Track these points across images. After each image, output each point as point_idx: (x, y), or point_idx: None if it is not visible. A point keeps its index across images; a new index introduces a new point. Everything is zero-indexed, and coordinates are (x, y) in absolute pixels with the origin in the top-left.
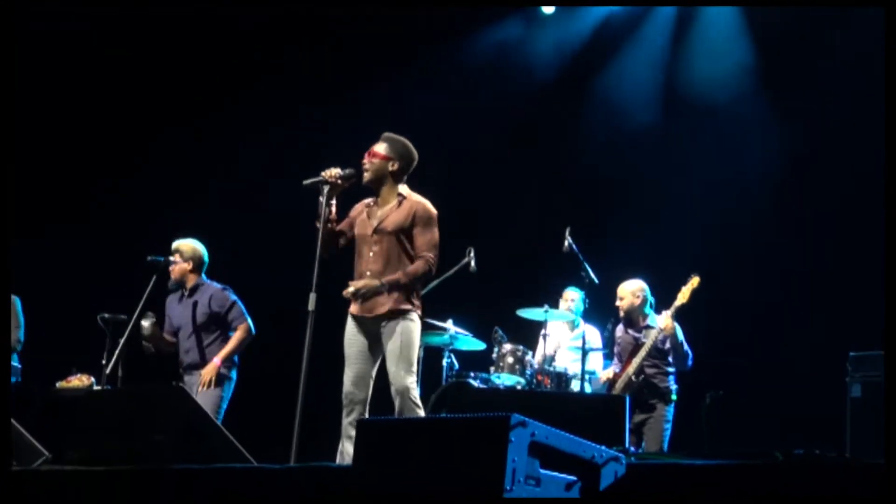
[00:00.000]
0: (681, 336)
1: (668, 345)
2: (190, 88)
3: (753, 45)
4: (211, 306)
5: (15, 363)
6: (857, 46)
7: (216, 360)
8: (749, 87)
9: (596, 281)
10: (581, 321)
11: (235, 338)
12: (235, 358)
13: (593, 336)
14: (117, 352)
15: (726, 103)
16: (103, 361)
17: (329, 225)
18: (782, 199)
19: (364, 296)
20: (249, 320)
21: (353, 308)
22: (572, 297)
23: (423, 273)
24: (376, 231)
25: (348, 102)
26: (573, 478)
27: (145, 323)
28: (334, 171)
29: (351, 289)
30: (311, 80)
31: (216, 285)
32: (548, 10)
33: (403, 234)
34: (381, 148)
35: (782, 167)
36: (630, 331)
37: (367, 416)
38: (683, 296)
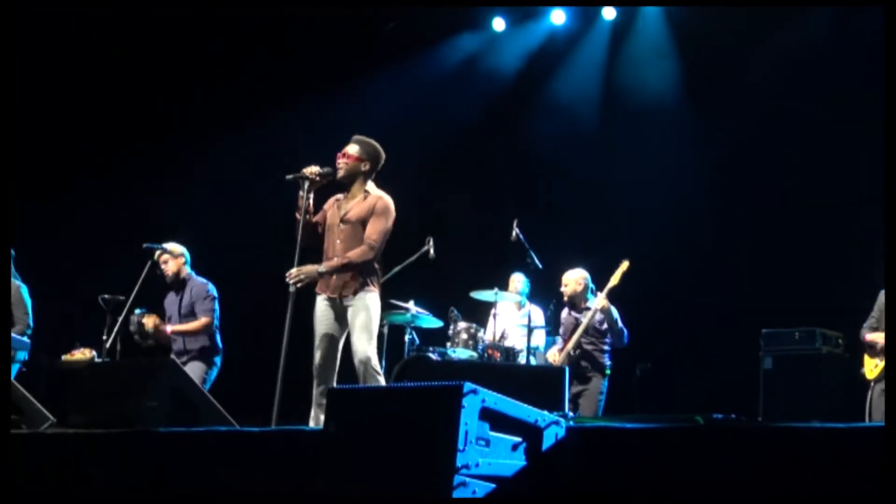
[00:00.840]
0: (615, 315)
1: (605, 325)
2: (189, 94)
3: (679, 57)
4: (192, 298)
5: (25, 339)
6: (771, 57)
7: (168, 329)
8: (675, 92)
9: (540, 266)
10: (527, 302)
11: (195, 323)
12: (220, 345)
13: (537, 315)
14: (116, 329)
15: (656, 107)
16: (103, 337)
17: (307, 215)
18: (704, 193)
19: (304, 282)
20: (214, 316)
21: (321, 289)
22: (519, 281)
23: (362, 257)
24: (342, 221)
25: (323, 108)
26: (519, 439)
27: (147, 321)
28: (314, 169)
29: (293, 273)
30: (290, 89)
31: (201, 280)
32: (498, 27)
33: (362, 225)
34: (353, 150)
35: (704, 164)
36: (573, 313)
37: (335, 385)
38: (615, 278)
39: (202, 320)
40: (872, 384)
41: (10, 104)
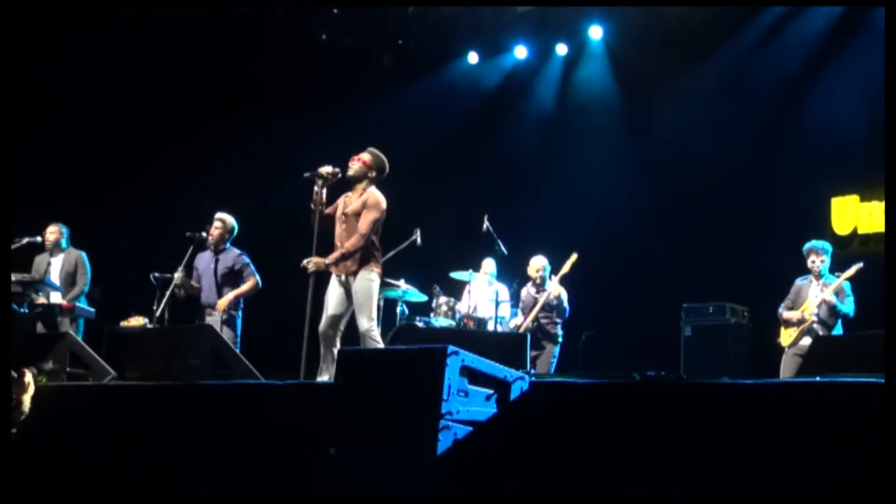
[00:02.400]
0: (564, 297)
1: (555, 303)
2: (227, 109)
3: (616, 81)
4: (229, 266)
5: (87, 307)
6: (688, 82)
7: (230, 296)
8: (612, 111)
9: (505, 253)
10: (495, 281)
11: (244, 286)
12: (241, 303)
13: (503, 292)
14: (164, 300)
15: (597, 122)
16: (154, 307)
17: (321, 207)
18: (637, 193)
19: (312, 271)
20: (257, 276)
21: (333, 270)
22: (489, 264)
23: (355, 246)
24: (344, 214)
25: (334, 121)
26: (491, 391)
27: (177, 275)
28: (327, 168)
29: (310, 265)
30: (308, 104)
31: (236, 250)
32: (473, 60)
33: (357, 217)
34: (366, 157)
35: (636, 169)
36: (532, 291)
37: (338, 347)
38: (566, 267)
39: (249, 282)
40: (786, 349)
41: (10, 107)
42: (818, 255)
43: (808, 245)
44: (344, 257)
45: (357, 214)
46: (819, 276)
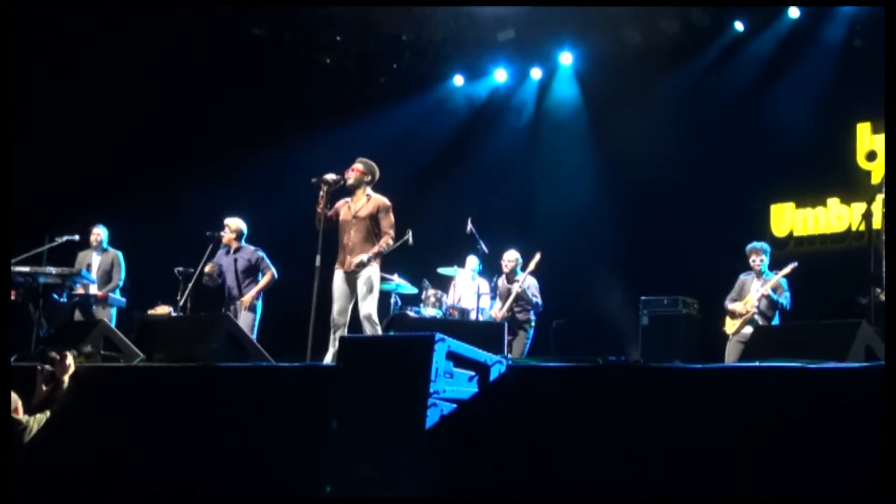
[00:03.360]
0: (530, 292)
1: (525, 293)
2: (247, 128)
3: (584, 101)
4: (247, 260)
5: (120, 297)
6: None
7: (253, 291)
8: (580, 126)
9: (486, 251)
10: (477, 276)
11: (264, 280)
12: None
13: (484, 286)
14: (187, 291)
15: (567, 137)
16: (178, 297)
17: (326, 209)
18: (601, 198)
19: (358, 266)
20: (273, 269)
21: (339, 265)
22: (472, 261)
23: (388, 245)
24: (355, 217)
25: (338, 135)
26: (473, 373)
27: (207, 269)
28: (332, 176)
29: (355, 261)
30: (317, 121)
31: (251, 247)
32: (458, 82)
33: (371, 219)
34: (360, 166)
35: (599, 176)
36: (506, 283)
37: (346, 334)
38: (531, 266)
39: (267, 275)
40: (730, 337)
41: (10, 111)
42: (758, 255)
43: (750, 246)
44: (380, 255)
45: (370, 216)
46: (760, 274)
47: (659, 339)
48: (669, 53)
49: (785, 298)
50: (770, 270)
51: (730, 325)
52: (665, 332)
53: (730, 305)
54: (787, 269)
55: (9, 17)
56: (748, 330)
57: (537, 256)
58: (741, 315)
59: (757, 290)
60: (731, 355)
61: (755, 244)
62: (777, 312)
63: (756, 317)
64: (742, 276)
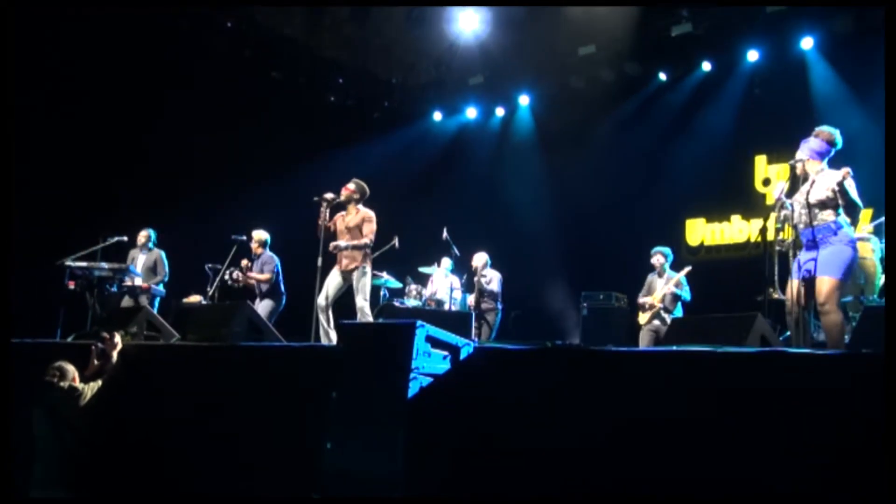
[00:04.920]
0: (495, 282)
1: (491, 288)
2: (265, 144)
3: (538, 135)
4: (262, 263)
5: (161, 288)
6: (592, 136)
7: (255, 277)
8: (536, 151)
9: (458, 254)
10: (450, 274)
11: (263, 276)
12: (282, 289)
13: (456, 282)
14: (215, 283)
15: (524, 161)
16: (207, 288)
17: (326, 222)
18: (552, 210)
19: (336, 249)
20: (271, 273)
21: (337, 265)
22: (446, 262)
23: (364, 244)
24: (347, 227)
25: (338, 161)
26: (447, 353)
27: (235, 274)
28: (330, 195)
29: (338, 244)
30: (319, 149)
31: (269, 254)
32: (437, 117)
33: (358, 228)
34: (352, 185)
35: (550, 194)
36: (477, 279)
37: (330, 318)
38: (496, 275)
39: (266, 275)
40: (642, 326)
41: (10, 115)
42: (663, 257)
43: (654, 249)
44: (356, 248)
45: (357, 226)
46: (662, 273)
47: (596, 327)
48: (607, 97)
49: (685, 292)
50: (671, 269)
51: (642, 317)
52: (601, 322)
53: (640, 300)
54: (685, 271)
55: (9, 18)
56: (656, 321)
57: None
58: (650, 308)
59: (661, 288)
60: (643, 342)
61: (659, 248)
62: (679, 304)
63: (662, 312)
64: (649, 276)
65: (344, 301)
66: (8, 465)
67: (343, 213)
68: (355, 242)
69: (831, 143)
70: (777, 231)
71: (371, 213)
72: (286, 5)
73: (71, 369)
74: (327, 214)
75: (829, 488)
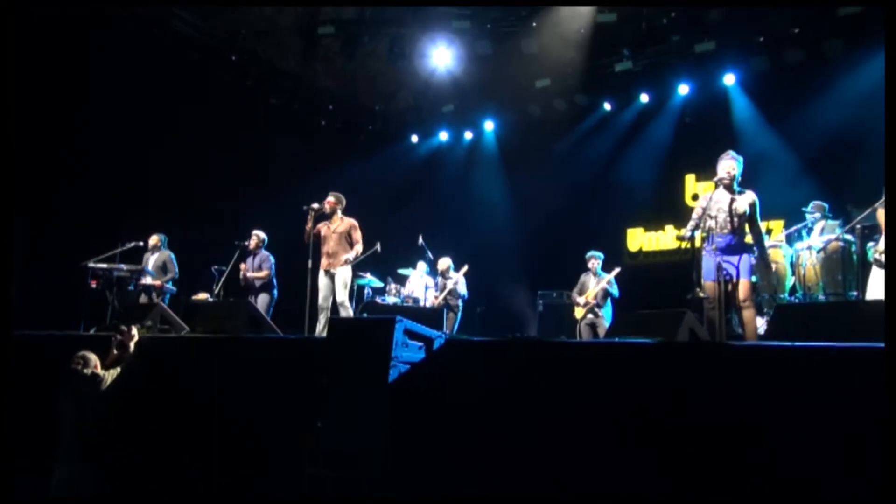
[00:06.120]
0: (461, 285)
1: (455, 287)
2: (264, 163)
3: (501, 155)
4: (259, 261)
5: (172, 287)
6: (547, 157)
7: (253, 274)
8: (499, 169)
9: (432, 258)
10: (425, 275)
11: (261, 273)
12: (275, 284)
13: (430, 282)
14: (220, 283)
15: (489, 177)
16: (213, 287)
17: (313, 228)
18: (513, 218)
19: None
20: (269, 270)
21: (322, 266)
22: (422, 265)
23: (358, 252)
24: (333, 233)
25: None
26: (422, 344)
27: (243, 269)
28: (315, 205)
29: (342, 259)
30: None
31: (265, 253)
32: (414, 140)
33: (345, 234)
34: (332, 198)
35: (512, 205)
36: (440, 280)
37: (328, 315)
38: (461, 274)
39: (264, 272)
40: (579, 321)
41: (10, 117)
42: (596, 260)
43: (589, 253)
44: (357, 258)
45: (344, 232)
46: (595, 274)
47: (550, 321)
48: (560, 123)
49: (614, 289)
50: (602, 271)
51: (578, 312)
52: (554, 316)
53: (576, 298)
54: (615, 272)
55: (9, 18)
56: (591, 315)
57: (464, 268)
58: (585, 305)
59: (593, 286)
60: (583, 334)
61: (592, 252)
62: (608, 301)
63: (595, 308)
64: (583, 277)
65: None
66: (8, 465)
67: (327, 221)
68: (354, 254)
69: (739, 166)
70: (702, 239)
71: (355, 222)
72: (286, 5)
73: (93, 358)
74: (312, 223)
75: (750, 457)
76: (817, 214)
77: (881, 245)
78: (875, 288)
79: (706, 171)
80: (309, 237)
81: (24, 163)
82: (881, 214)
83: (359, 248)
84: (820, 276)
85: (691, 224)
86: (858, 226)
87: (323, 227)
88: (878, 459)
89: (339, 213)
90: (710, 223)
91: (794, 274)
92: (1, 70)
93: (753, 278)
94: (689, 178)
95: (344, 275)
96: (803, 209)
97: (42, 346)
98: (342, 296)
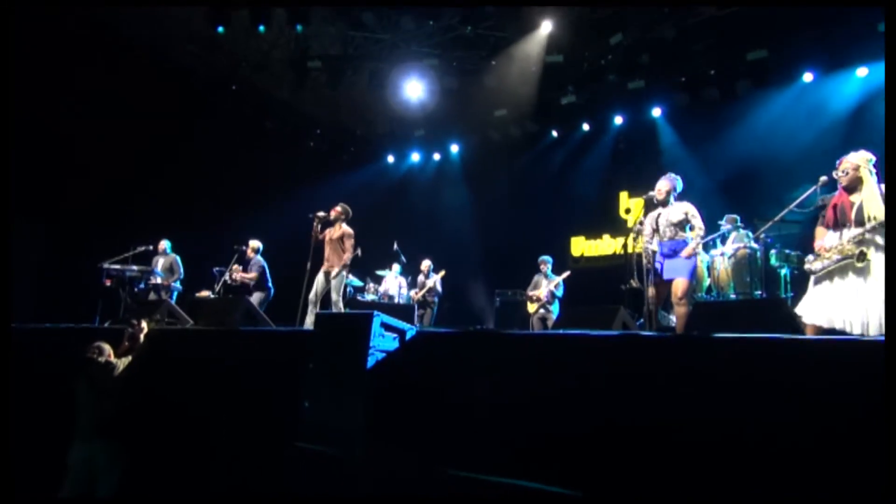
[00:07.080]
0: (438, 284)
1: (433, 286)
2: (264, 177)
3: (464, 174)
4: (252, 265)
5: (178, 286)
6: (505, 175)
7: (241, 276)
8: (462, 183)
9: (405, 261)
10: (399, 276)
11: (250, 275)
12: (269, 284)
13: (403, 283)
14: (221, 282)
15: (454, 191)
16: (215, 285)
17: (318, 235)
18: (477, 226)
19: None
20: (257, 273)
21: (323, 266)
22: (395, 267)
23: (348, 258)
24: (331, 239)
25: (325, 187)
26: (396, 335)
27: (235, 275)
28: (321, 213)
29: (336, 268)
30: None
31: (258, 258)
32: (391, 160)
33: (339, 241)
34: (338, 208)
35: (474, 214)
36: (421, 278)
37: (318, 310)
38: (439, 276)
39: (252, 274)
40: (531, 315)
41: (10, 118)
42: (546, 264)
43: (541, 258)
44: (345, 265)
45: (339, 239)
46: (546, 275)
47: (506, 315)
48: (515, 147)
49: (560, 290)
50: (552, 273)
51: (531, 307)
52: (510, 311)
53: (530, 293)
54: (564, 275)
55: (9, 18)
56: (542, 311)
57: (441, 272)
58: (537, 301)
59: (545, 286)
60: (535, 327)
61: (544, 257)
62: (556, 299)
63: (546, 304)
64: (535, 277)
65: (329, 297)
66: (8, 465)
67: (330, 228)
68: (344, 261)
69: (678, 185)
70: (643, 245)
71: (351, 231)
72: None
73: (107, 348)
74: (319, 228)
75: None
76: (729, 226)
77: (811, 256)
78: (815, 294)
79: (637, 188)
80: (314, 240)
81: (50, 176)
82: (820, 231)
83: (347, 255)
84: (731, 277)
85: (646, 239)
86: (762, 235)
87: (326, 234)
88: (778, 439)
89: (342, 221)
90: (657, 236)
91: (710, 276)
92: (1, 78)
93: (689, 278)
94: (623, 195)
95: (341, 279)
96: (718, 222)
97: (62, 337)
98: (337, 296)
